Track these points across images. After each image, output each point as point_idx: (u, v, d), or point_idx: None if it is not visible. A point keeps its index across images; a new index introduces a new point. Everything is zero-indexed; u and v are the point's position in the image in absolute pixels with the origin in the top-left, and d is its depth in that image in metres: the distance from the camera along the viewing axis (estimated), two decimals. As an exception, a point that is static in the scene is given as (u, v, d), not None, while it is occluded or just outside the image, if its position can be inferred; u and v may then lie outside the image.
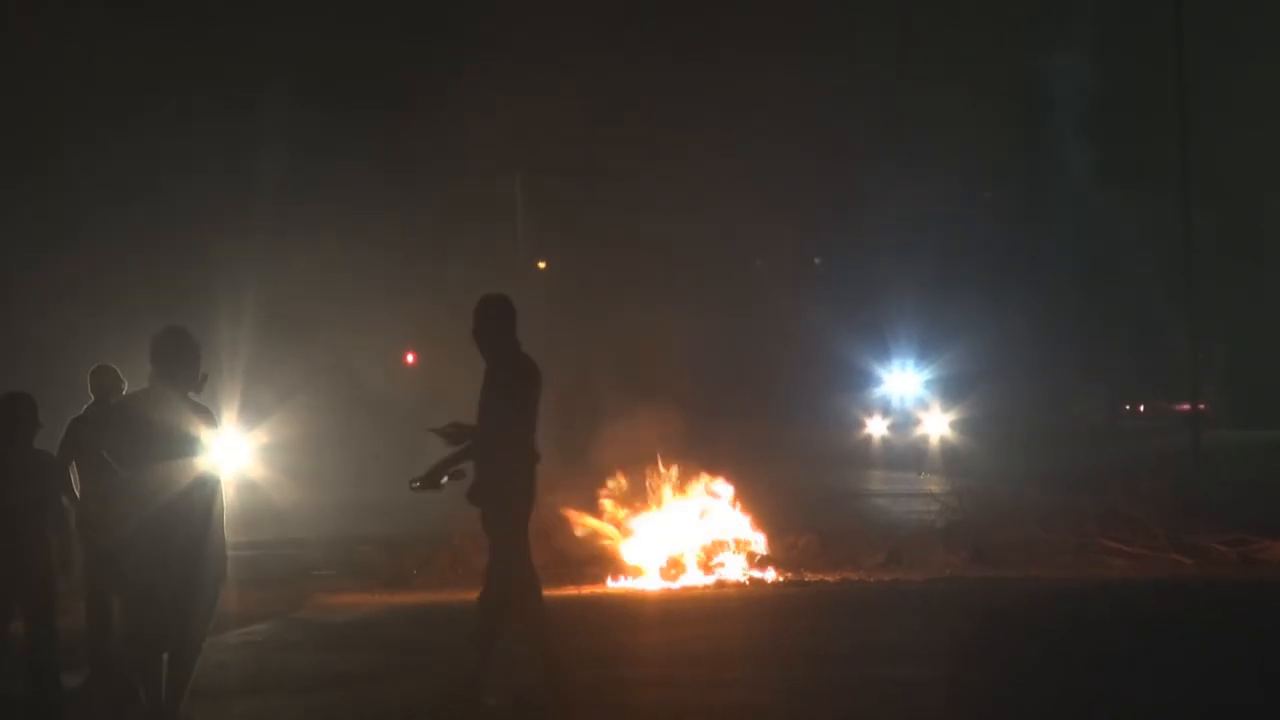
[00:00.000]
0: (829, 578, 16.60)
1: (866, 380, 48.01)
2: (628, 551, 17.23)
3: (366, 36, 25.73)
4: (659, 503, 17.68)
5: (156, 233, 27.76)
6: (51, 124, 27.23)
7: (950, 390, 46.87)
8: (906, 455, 42.08)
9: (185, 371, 8.99)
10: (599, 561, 17.11)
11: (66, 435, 10.71)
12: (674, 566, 16.93)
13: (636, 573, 16.89)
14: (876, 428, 49.31)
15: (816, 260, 44.15)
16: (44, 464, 9.90)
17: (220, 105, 26.91)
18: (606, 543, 17.45)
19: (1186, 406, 35.66)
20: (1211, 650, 11.30)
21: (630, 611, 14.75)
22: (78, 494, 10.46)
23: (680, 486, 17.87)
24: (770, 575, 16.79)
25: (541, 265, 34.95)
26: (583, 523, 17.56)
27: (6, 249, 28.51)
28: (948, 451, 41.81)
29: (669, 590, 16.23)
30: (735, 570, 16.89)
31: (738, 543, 17.38)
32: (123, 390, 10.87)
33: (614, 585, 16.54)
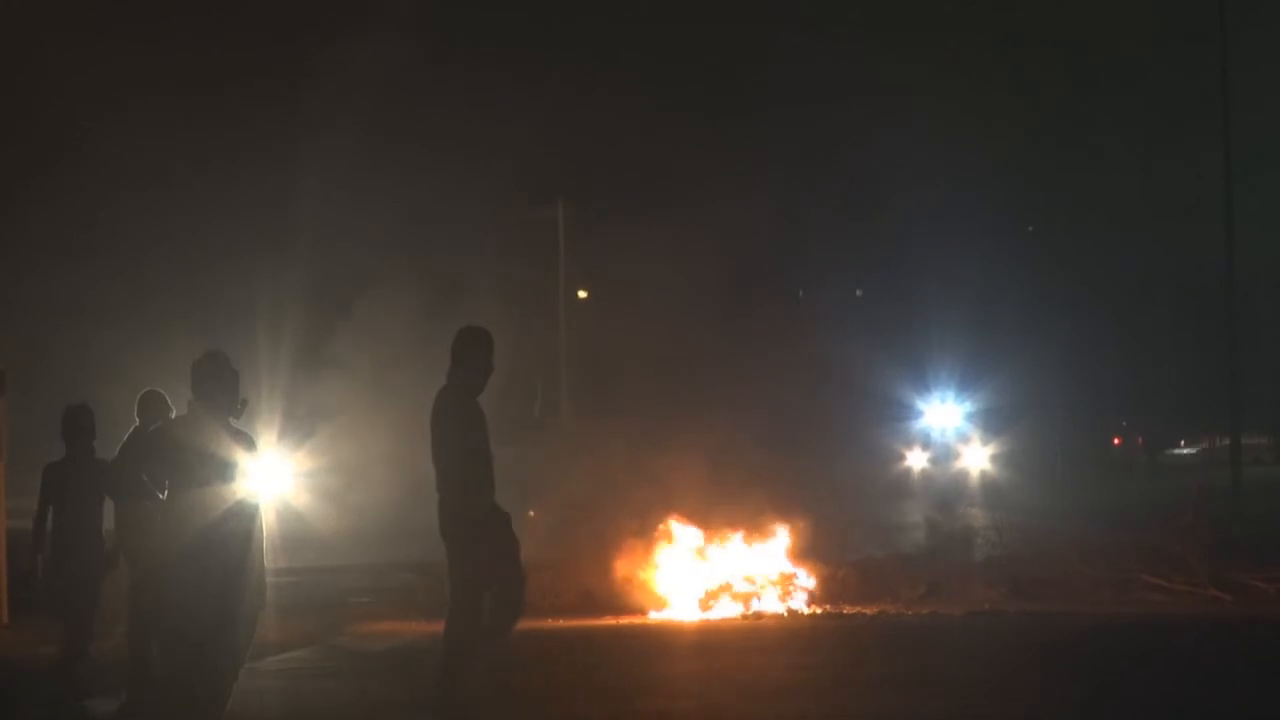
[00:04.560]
0: (867, 610, 16.56)
1: (907, 413, 47.81)
2: (668, 582, 17.21)
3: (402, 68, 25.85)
4: (703, 533, 17.68)
5: (199, 256, 28.02)
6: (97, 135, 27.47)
7: (991, 423, 46.67)
8: (947, 488, 41.87)
9: (225, 397, 9.01)
10: (639, 592, 17.11)
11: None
12: (713, 598, 16.91)
13: (677, 604, 16.87)
14: (917, 460, 49.10)
15: (858, 292, 44.09)
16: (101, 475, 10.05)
17: (258, 137, 27.11)
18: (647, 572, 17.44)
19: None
20: (1242, 688, 11.21)
21: (667, 643, 14.76)
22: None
23: (722, 517, 17.86)
24: (808, 607, 16.76)
25: (582, 295, 34.99)
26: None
27: (57, 273, 28.78)
28: (988, 485, 41.64)
29: (708, 621, 16.22)
30: (773, 602, 16.87)
31: (777, 575, 17.36)
32: (170, 416, 10.88)
33: (654, 616, 16.55)
